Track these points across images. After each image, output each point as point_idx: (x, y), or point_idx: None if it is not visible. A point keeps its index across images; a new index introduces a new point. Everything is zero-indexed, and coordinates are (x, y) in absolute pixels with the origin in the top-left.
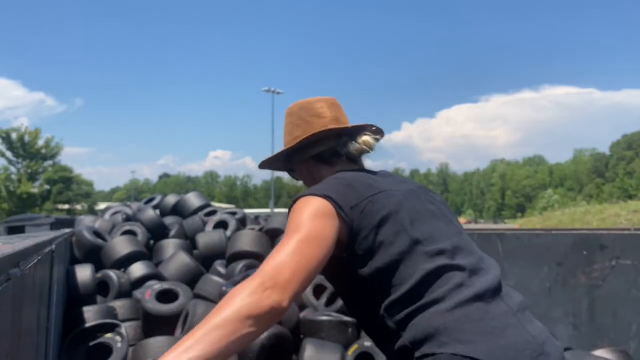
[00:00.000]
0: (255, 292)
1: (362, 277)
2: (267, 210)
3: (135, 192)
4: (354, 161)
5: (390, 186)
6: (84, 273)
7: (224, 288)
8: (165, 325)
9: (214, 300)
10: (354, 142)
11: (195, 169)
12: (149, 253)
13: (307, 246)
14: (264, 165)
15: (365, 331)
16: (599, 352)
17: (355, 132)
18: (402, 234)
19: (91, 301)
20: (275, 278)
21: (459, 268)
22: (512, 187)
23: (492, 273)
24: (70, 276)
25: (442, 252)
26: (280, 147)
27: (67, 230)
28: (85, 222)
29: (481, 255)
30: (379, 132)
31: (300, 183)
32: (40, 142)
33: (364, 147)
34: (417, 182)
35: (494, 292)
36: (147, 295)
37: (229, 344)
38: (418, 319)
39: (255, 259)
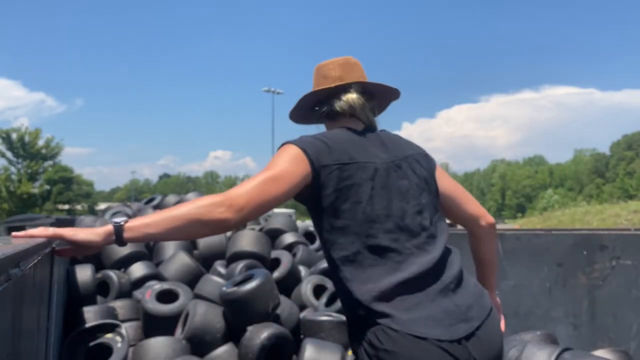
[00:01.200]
0: (212, 204)
1: (321, 220)
2: None
3: (135, 192)
4: (358, 118)
5: (371, 157)
6: (84, 273)
7: (224, 288)
8: (165, 325)
9: (214, 300)
10: (338, 100)
11: (195, 169)
12: (149, 253)
13: (269, 183)
14: (293, 117)
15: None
16: (599, 352)
17: (343, 90)
18: (357, 206)
19: (91, 301)
20: (233, 200)
21: (396, 250)
22: (512, 187)
23: (432, 254)
24: (70, 276)
25: (386, 232)
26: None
27: None
28: (85, 222)
29: (432, 234)
30: (371, 93)
31: None
32: (40, 142)
33: (346, 104)
34: (412, 147)
35: (427, 272)
36: (147, 295)
37: (176, 233)
38: (355, 287)
39: (255, 259)
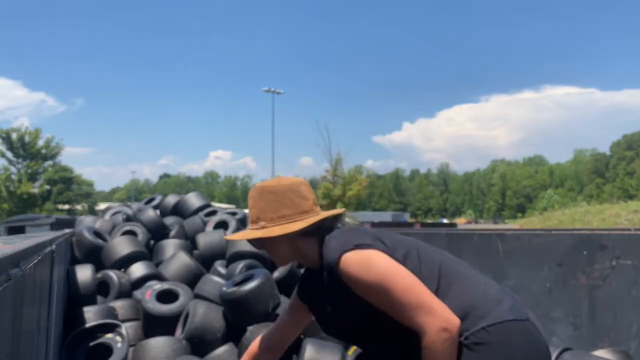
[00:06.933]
0: (433, 331)
1: None
2: None
3: (135, 192)
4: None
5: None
6: (84, 273)
7: (224, 288)
8: (165, 325)
9: (214, 300)
10: (339, 222)
11: (195, 169)
12: (149, 253)
13: (412, 281)
14: (234, 236)
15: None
16: (599, 352)
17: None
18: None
19: (91, 301)
20: (433, 313)
21: (458, 272)
22: (512, 187)
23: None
24: (70, 276)
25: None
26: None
27: (67, 230)
28: (86, 222)
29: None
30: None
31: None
32: (40, 142)
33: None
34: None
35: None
36: (147, 295)
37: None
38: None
39: (256, 259)
